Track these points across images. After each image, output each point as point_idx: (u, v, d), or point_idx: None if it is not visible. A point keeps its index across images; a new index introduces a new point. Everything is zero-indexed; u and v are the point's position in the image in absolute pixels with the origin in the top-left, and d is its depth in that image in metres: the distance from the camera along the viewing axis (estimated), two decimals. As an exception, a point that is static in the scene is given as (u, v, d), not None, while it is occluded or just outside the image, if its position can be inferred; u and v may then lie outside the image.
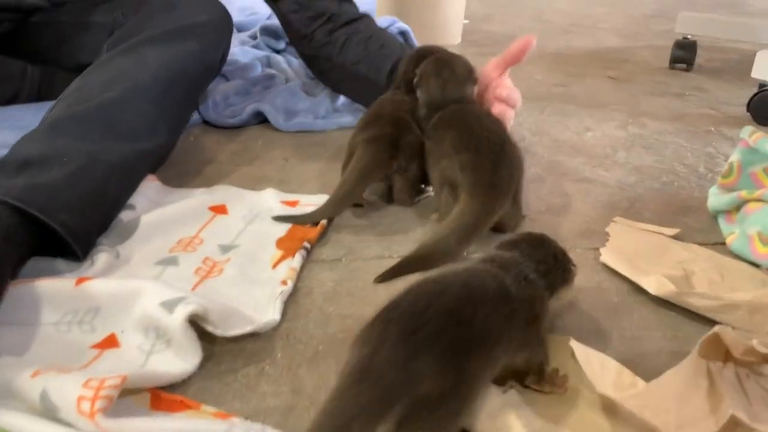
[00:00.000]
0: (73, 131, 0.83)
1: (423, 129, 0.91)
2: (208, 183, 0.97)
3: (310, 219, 0.85)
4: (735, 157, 0.91)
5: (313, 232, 0.82)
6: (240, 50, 1.55)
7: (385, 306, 0.51)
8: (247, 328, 0.63)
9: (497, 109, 0.95)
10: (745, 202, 0.86)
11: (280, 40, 1.68)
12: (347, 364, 0.47)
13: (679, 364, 0.58)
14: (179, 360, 0.59)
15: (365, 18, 1.19)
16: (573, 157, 1.13)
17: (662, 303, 0.72)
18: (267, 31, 1.69)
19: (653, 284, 0.72)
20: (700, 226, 0.90)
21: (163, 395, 0.56)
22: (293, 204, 0.91)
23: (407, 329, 0.48)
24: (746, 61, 1.79)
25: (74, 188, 0.76)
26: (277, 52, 1.66)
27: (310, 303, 0.71)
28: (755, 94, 1.32)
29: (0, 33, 1.21)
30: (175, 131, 1.02)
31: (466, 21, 2.16)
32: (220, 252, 0.79)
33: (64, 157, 0.78)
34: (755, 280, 0.76)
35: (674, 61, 1.73)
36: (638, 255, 0.80)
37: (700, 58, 1.76)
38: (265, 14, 1.93)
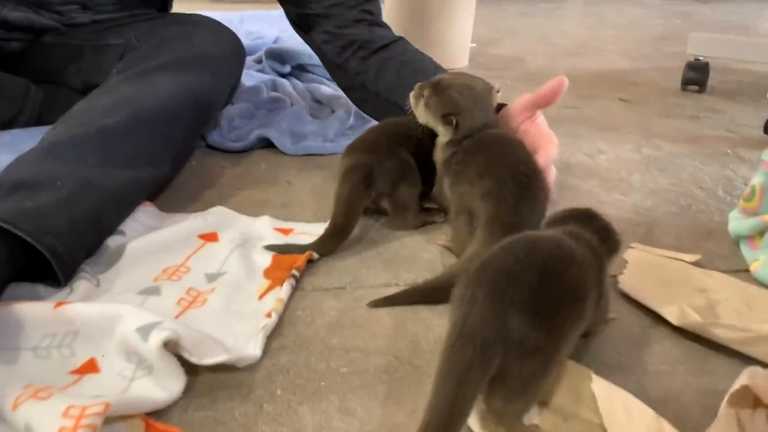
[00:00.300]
0: (69, 155, 0.81)
1: (426, 150, 0.89)
2: (207, 208, 0.94)
3: (303, 252, 0.81)
4: (757, 179, 0.87)
5: (301, 259, 0.78)
6: (245, 74, 1.53)
7: (476, 265, 0.54)
8: (222, 357, 0.59)
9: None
10: (770, 226, 0.82)
11: (285, 64, 1.66)
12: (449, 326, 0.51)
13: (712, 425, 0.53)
14: (161, 387, 0.56)
15: (400, 41, 1.14)
16: (587, 180, 1.10)
17: (686, 334, 0.67)
18: (272, 54, 1.68)
19: (676, 314, 0.68)
20: (721, 252, 0.86)
21: (159, 426, 0.53)
22: (287, 232, 0.87)
23: (499, 287, 0.50)
24: (760, 83, 1.76)
25: (65, 213, 0.73)
26: (283, 76, 1.65)
27: (312, 334, 0.67)
28: (772, 116, 1.29)
29: (9, 52, 1.20)
30: (178, 161, 1.00)
31: (473, 44, 2.14)
32: (206, 281, 0.75)
33: (58, 181, 0.76)
34: (785, 311, 0.72)
35: (686, 82, 1.70)
36: (659, 283, 0.76)
37: (713, 79, 1.73)
38: (271, 38, 1.92)
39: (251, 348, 0.62)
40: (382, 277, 0.78)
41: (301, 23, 1.18)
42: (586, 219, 0.66)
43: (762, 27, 2.95)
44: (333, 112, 1.38)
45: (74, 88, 1.20)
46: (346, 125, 1.30)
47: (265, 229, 0.87)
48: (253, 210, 0.94)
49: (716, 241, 0.88)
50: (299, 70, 1.67)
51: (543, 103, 0.91)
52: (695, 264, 0.82)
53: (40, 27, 1.19)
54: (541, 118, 0.93)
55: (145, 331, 0.58)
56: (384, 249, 0.85)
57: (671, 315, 0.68)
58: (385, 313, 0.71)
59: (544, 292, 0.51)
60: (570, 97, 1.61)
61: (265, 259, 0.79)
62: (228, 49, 1.13)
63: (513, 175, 0.77)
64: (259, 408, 0.56)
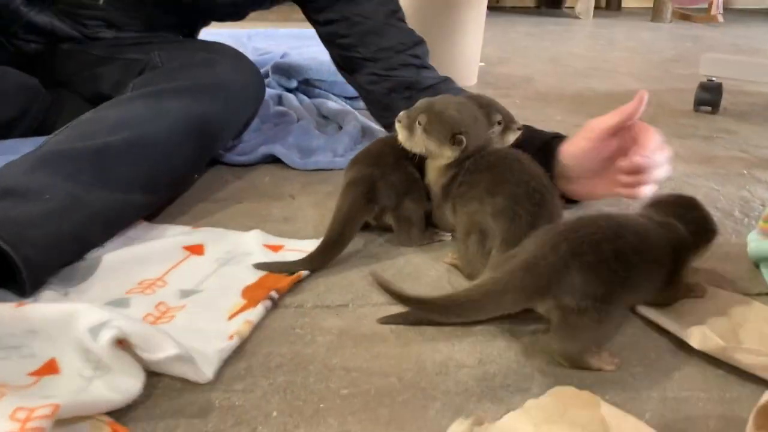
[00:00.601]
0: (64, 168, 0.79)
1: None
2: (208, 222, 0.91)
3: (291, 268, 0.78)
4: None
5: (285, 281, 0.75)
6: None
7: (567, 225, 0.64)
8: (172, 351, 0.56)
9: (625, 180, 0.82)
10: (792, 248, 0.79)
11: (291, 79, 1.65)
12: (519, 253, 0.62)
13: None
14: (117, 387, 0.55)
15: (446, 81, 1.14)
16: (599, 200, 1.06)
17: (708, 359, 0.64)
18: (279, 69, 1.66)
19: (696, 337, 0.64)
20: (741, 275, 0.82)
21: (121, 428, 0.52)
22: (277, 248, 0.84)
23: (577, 250, 0.60)
24: (773, 105, 1.73)
25: (48, 227, 0.72)
26: (289, 90, 1.63)
27: (312, 353, 0.64)
28: (789, 137, 1.26)
29: (25, 52, 1.19)
30: (176, 187, 0.97)
31: (482, 63, 2.12)
32: (179, 297, 0.72)
33: (46, 194, 0.74)
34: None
35: (699, 103, 1.67)
36: (678, 304, 0.72)
37: (725, 101, 1.70)
38: (278, 53, 1.91)
39: (206, 369, 0.58)
40: (385, 294, 0.75)
41: (346, 65, 1.20)
42: (689, 207, 0.74)
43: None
44: (340, 127, 1.35)
45: (84, 95, 1.18)
46: (357, 141, 1.27)
47: (254, 245, 0.83)
48: (253, 223, 0.91)
49: (735, 264, 0.85)
50: (306, 85, 1.66)
51: (627, 122, 0.86)
52: (718, 287, 0.78)
53: (62, 35, 1.18)
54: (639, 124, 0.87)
55: (95, 330, 0.56)
56: (388, 266, 0.82)
57: (693, 339, 0.65)
58: (389, 331, 0.68)
59: (609, 270, 0.60)
60: (581, 117, 1.58)
61: (250, 277, 0.76)
62: (248, 82, 1.13)
63: (526, 192, 0.74)
64: (253, 431, 0.53)
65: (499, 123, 0.89)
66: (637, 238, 0.63)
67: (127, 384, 0.55)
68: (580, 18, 3.56)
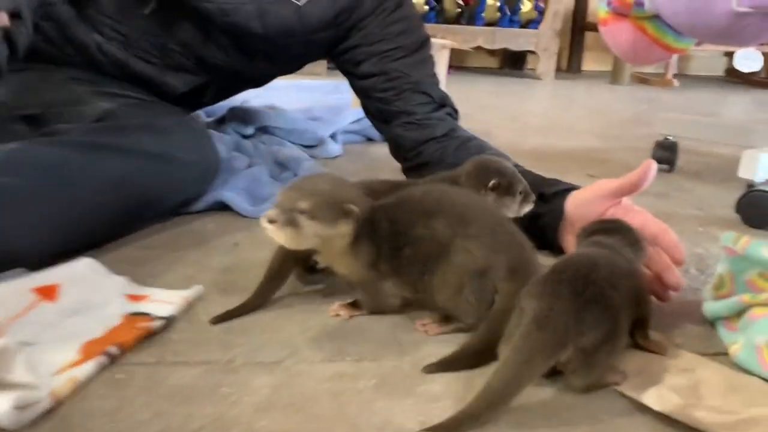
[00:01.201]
0: None
1: None
2: (140, 273, 0.85)
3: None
4: (723, 267, 0.82)
5: (131, 335, 0.68)
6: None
7: (552, 270, 0.65)
8: None
9: (654, 259, 0.83)
10: (749, 307, 0.76)
11: (248, 125, 1.61)
12: (526, 313, 0.61)
13: None
14: None
15: (476, 138, 1.18)
16: (554, 257, 1.03)
17: (666, 422, 0.60)
18: (236, 116, 1.63)
19: (654, 398, 0.61)
20: (697, 333, 0.79)
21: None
22: (140, 299, 0.77)
23: (577, 289, 0.62)
24: (727, 165, 1.75)
25: None
26: (246, 137, 1.59)
27: (236, 415, 0.58)
28: (743, 195, 1.26)
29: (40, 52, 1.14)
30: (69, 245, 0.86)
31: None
32: None
33: None
34: (772, 398, 0.65)
35: (656, 161, 1.68)
36: (635, 365, 0.68)
37: (680, 160, 1.71)
38: (238, 99, 1.88)
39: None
40: (325, 350, 0.69)
41: (380, 116, 1.23)
42: (617, 231, 0.76)
43: (724, 113, 3.02)
44: (295, 175, 1.32)
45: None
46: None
47: (113, 294, 0.76)
48: (189, 272, 0.85)
49: (691, 322, 0.82)
50: (263, 132, 1.62)
51: (633, 190, 0.86)
52: (674, 345, 0.75)
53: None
54: (625, 200, 0.89)
55: None
56: (331, 320, 0.76)
57: (649, 398, 0.61)
58: (324, 391, 0.62)
59: (607, 294, 0.63)
60: (539, 172, 1.57)
61: (96, 330, 0.68)
62: (201, 160, 1.08)
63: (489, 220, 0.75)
64: (159, 505, 0.47)
65: (521, 193, 0.89)
66: (610, 270, 0.66)
67: None
68: (541, 79, 3.63)
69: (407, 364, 0.68)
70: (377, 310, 0.77)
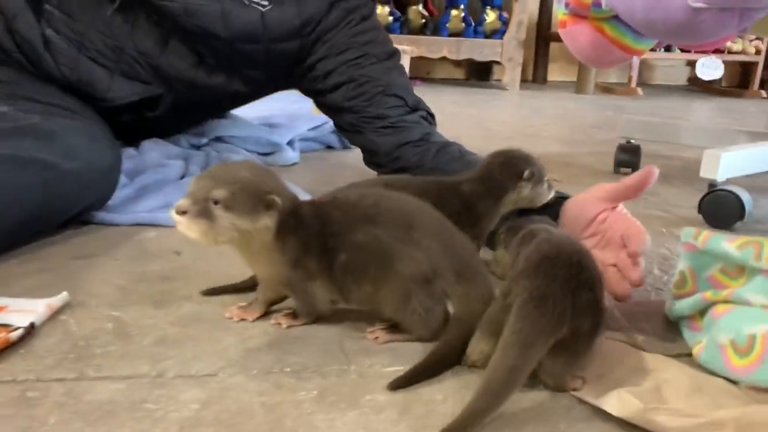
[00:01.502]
0: None
1: None
2: (71, 284, 0.79)
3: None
4: (684, 264, 0.79)
5: None
6: (151, 145, 1.39)
7: (540, 253, 0.61)
8: None
9: (619, 256, 0.79)
10: (712, 304, 0.73)
11: (202, 136, 1.55)
12: (518, 294, 0.58)
13: None
14: None
15: (456, 144, 1.15)
16: (513, 257, 1.00)
17: (627, 426, 0.56)
18: (189, 126, 1.57)
19: (613, 403, 0.57)
20: (660, 335, 0.76)
21: None
22: None
23: (572, 271, 0.59)
24: (690, 167, 1.74)
25: None
26: (200, 147, 1.53)
27: (157, 434, 0.52)
28: (705, 195, 1.24)
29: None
30: None
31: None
32: None
33: None
34: (738, 398, 0.61)
35: (619, 164, 1.66)
36: (600, 371, 0.64)
37: (644, 163, 1.70)
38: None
39: None
40: (263, 361, 0.64)
41: (353, 128, 1.19)
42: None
43: (688, 119, 3.04)
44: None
45: None
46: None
47: None
48: (123, 282, 0.80)
49: (654, 323, 0.79)
50: (217, 141, 1.56)
51: (631, 195, 0.82)
52: (636, 347, 0.71)
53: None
54: (621, 206, 0.85)
55: None
56: (273, 329, 0.71)
57: (607, 404, 0.57)
58: (259, 405, 0.57)
59: (597, 282, 0.61)
60: (501, 177, 1.54)
61: None
62: (90, 166, 0.96)
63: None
64: None
65: (529, 178, 0.85)
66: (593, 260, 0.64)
67: None
68: (507, 89, 3.63)
69: (353, 373, 0.63)
70: (311, 314, 0.71)
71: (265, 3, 1.16)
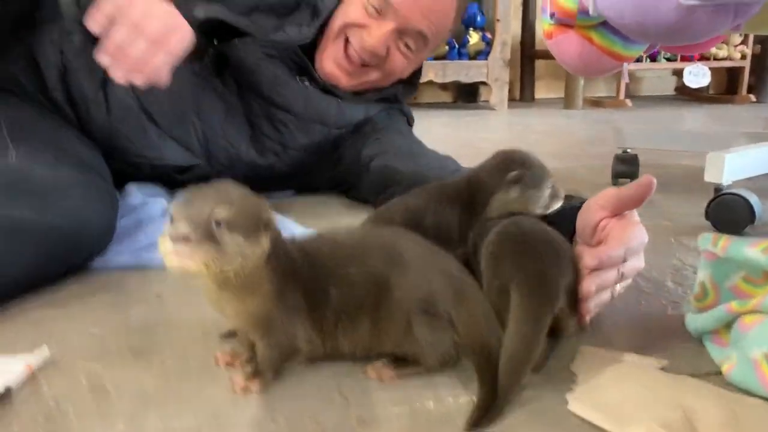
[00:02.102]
0: None
1: None
2: (43, 331, 0.73)
3: None
4: (704, 274, 0.73)
5: None
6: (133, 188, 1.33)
7: (509, 238, 0.68)
8: None
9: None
10: (738, 316, 0.67)
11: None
12: (519, 273, 0.63)
13: None
14: None
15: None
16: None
17: None
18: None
19: (642, 437, 0.50)
20: (682, 353, 0.70)
21: None
22: None
23: (555, 252, 0.66)
24: (690, 174, 1.70)
25: None
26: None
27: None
28: (712, 200, 1.19)
29: None
30: None
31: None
32: None
33: None
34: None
35: (617, 176, 1.62)
36: (619, 396, 0.58)
37: (642, 173, 1.66)
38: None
39: None
40: (252, 412, 0.58)
41: (383, 181, 1.20)
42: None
43: (681, 126, 3.02)
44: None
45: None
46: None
47: None
48: (96, 330, 0.74)
49: (674, 340, 0.73)
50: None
51: (630, 205, 0.76)
52: (662, 369, 0.65)
53: None
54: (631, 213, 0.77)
55: None
56: (263, 373, 0.65)
57: (636, 439, 0.51)
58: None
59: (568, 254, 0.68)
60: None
61: None
62: (92, 225, 0.92)
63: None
64: None
65: (516, 181, 0.79)
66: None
67: None
68: (495, 109, 3.61)
69: (354, 419, 0.57)
70: (275, 366, 0.62)
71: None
